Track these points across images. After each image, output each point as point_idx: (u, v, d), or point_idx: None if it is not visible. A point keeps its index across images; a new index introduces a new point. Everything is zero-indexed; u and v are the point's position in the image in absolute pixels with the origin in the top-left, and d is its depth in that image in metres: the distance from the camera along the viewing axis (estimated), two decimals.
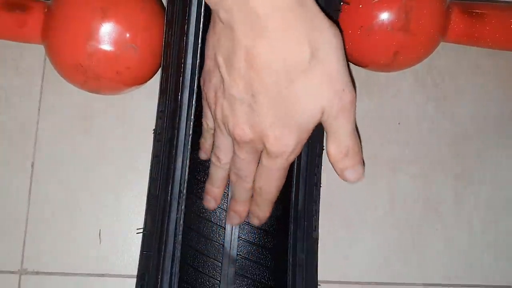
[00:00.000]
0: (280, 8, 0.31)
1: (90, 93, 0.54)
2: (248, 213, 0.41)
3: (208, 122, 0.39)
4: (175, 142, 0.42)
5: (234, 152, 0.37)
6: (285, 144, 0.34)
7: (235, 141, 0.36)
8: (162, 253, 0.42)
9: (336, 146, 0.35)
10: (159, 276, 0.41)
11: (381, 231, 0.59)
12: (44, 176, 0.56)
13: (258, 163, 0.37)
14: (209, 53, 0.36)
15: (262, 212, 0.40)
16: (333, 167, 0.36)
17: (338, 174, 0.36)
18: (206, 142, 0.41)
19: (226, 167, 0.39)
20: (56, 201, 0.56)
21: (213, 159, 0.40)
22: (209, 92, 0.36)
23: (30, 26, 0.50)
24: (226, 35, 0.33)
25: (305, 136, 0.35)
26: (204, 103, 0.39)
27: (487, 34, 0.54)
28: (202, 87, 0.39)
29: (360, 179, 0.36)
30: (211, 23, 0.35)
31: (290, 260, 0.43)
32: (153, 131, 0.48)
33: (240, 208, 0.40)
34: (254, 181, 0.38)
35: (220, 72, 0.34)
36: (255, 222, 0.41)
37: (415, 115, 0.61)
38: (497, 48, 0.57)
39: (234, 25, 0.31)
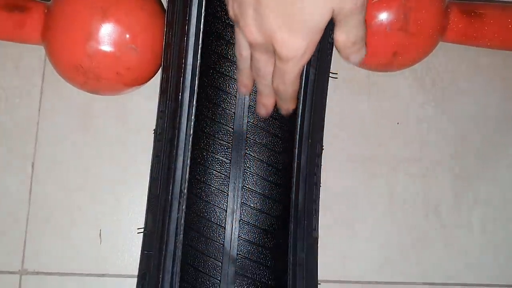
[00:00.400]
0: None
1: (90, 94, 0.54)
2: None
3: (241, 51, 0.39)
4: (175, 142, 0.42)
5: (254, 56, 0.37)
6: (295, 47, 0.33)
7: (248, 42, 0.36)
8: (163, 253, 0.42)
9: (346, 36, 0.34)
10: (160, 276, 0.41)
11: (381, 231, 0.59)
12: (44, 176, 0.56)
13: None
14: None
15: (286, 105, 0.40)
16: (338, 51, 0.36)
17: (342, 57, 0.36)
18: (239, 75, 0.41)
19: (248, 59, 0.39)
20: (56, 201, 0.56)
21: (237, 54, 0.39)
22: None
23: (30, 27, 0.51)
24: None
25: (316, 37, 0.34)
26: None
27: (486, 34, 0.54)
28: None
29: (363, 58, 0.37)
30: None
31: (291, 259, 0.43)
32: (153, 131, 0.48)
33: (265, 101, 0.41)
34: (272, 81, 0.38)
35: None
36: (283, 112, 0.41)
37: (414, 115, 0.62)
38: (496, 47, 0.58)
39: None
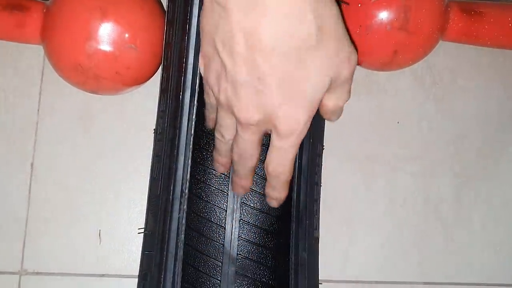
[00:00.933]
0: None
1: (90, 93, 0.54)
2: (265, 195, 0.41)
3: (210, 99, 0.38)
4: (176, 142, 0.42)
5: (237, 133, 0.36)
6: (297, 121, 0.33)
7: (239, 123, 0.34)
8: (165, 253, 0.42)
9: (335, 102, 0.35)
10: (162, 276, 0.41)
11: (381, 230, 0.59)
12: (44, 176, 0.56)
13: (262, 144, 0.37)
14: (205, 38, 0.34)
15: (279, 194, 0.39)
16: (322, 114, 0.37)
17: (324, 116, 0.37)
18: (210, 115, 0.40)
19: (231, 142, 0.38)
20: (56, 201, 0.56)
21: (217, 135, 0.39)
22: (210, 77, 0.35)
23: (29, 27, 0.50)
24: (222, 18, 0.31)
25: (315, 107, 0.34)
26: (205, 83, 0.37)
27: (486, 33, 0.54)
28: (201, 70, 0.37)
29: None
30: (204, 6, 0.33)
31: (292, 259, 0.43)
32: (153, 131, 0.48)
33: (244, 182, 0.40)
34: (266, 165, 0.37)
35: (220, 57, 0.32)
36: (274, 204, 0.40)
37: (415, 114, 0.62)
38: (496, 46, 0.57)
39: (229, 5, 0.30)
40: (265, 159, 0.43)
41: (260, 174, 0.42)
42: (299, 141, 0.35)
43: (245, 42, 0.30)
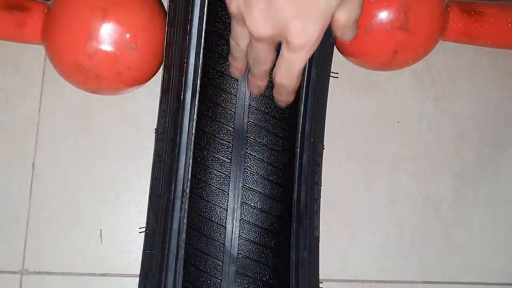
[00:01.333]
0: None
1: (91, 93, 0.54)
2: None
3: (238, 41, 0.38)
4: (177, 141, 0.42)
5: (251, 42, 0.36)
6: (309, 35, 0.33)
7: (252, 36, 0.35)
8: (166, 252, 0.42)
9: (347, 15, 0.34)
10: (163, 275, 0.42)
11: (381, 229, 0.60)
12: (45, 176, 0.56)
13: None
14: None
15: (286, 98, 0.40)
16: (334, 31, 0.36)
17: (336, 35, 0.36)
18: (233, 61, 0.40)
19: (245, 48, 0.38)
20: (57, 201, 0.56)
21: (232, 43, 0.38)
22: None
23: (30, 27, 0.50)
24: None
25: (328, 21, 0.33)
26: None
27: (486, 33, 0.54)
28: None
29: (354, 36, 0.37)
30: None
31: (293, 258, 0.43)
32: (154, 131, 0.48)
33: (260, 82, 0.40)
34: (274, 75, 0.37)
35: None
36: (281, 104, 0.40)
37: (414, 114, 0.62)
38: (496, 46, 0.58)
39: None
40: (265, 158, 0.43)
41: (261, 174, 0.42)
42: (309, 55, 0.35)
43: None
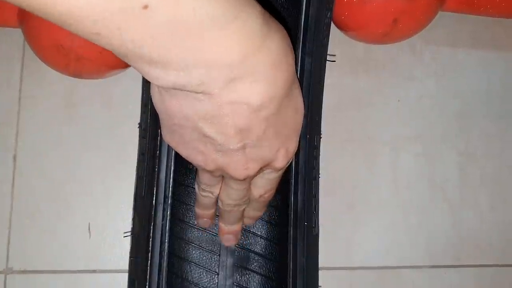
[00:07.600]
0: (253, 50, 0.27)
1: (73, 80, 0.52)
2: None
3: (201, 185, 0.37)
4: (158, 141, 0.40)
5: (228, 187, 0.35)
6: (292, 153, 0.34)
7: (234, 180, 0.34)
8: (149, 262, 0.39)
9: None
10: (147, 284, 0.39)
11: (386, 214, 0.57)
12: (28, 169, 0.53)
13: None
14: (183, 122, 0.31)
15: (259, 213, 0.40)
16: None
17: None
18: (204, 211, 0.39)
19: (217, 195, 0.37)
20: (41, 195, 0.53)
21: (204, 194, 0.37)
22: (195, 156, 0.33)
23: (5, 8, 0.48)
24: (198, 100, 0.29)
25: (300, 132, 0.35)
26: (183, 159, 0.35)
27: (487, 1, 0.52)
28: (175, 150, 0.34)
29: None
30: (165, 99, 0.30)
31: (291, 265, 0.40)
32: (138, 125, 0.45)
33: (237, 228, 0.40)
34: (255, 194, 0.36)
35: (203, 132, 0.30)
36: (250, 222, 0.40)
37: (415, 91, 0.59)
38: (497, 15, 0.56)
39: (209, 89, 0.28)
40: None
41: None
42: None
43: (231, 112, 0.29)
